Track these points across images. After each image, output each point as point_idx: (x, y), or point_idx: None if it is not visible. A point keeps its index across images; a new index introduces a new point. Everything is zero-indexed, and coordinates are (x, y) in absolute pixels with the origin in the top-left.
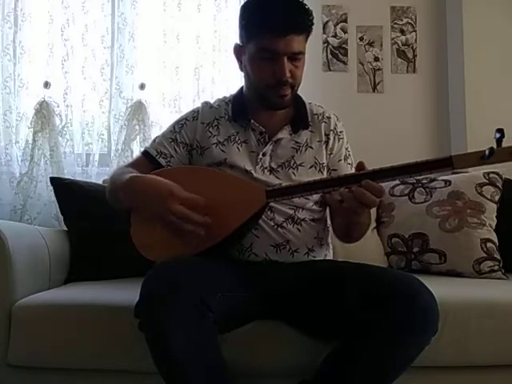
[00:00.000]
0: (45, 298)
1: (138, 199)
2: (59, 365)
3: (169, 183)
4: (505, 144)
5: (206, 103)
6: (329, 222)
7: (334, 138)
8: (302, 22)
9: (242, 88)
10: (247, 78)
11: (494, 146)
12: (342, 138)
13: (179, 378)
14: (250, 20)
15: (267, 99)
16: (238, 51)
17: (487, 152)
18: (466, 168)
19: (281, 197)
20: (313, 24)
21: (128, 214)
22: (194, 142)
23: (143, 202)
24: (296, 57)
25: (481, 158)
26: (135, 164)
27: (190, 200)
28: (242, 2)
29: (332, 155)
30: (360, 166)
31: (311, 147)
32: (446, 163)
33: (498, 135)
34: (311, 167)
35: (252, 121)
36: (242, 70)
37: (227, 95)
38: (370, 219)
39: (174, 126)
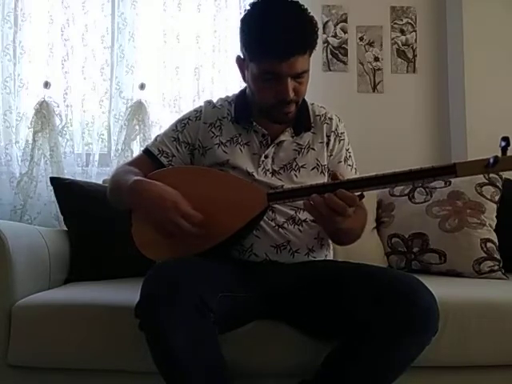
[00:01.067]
0: (45, 298)
1: (140, 204)
2: (59, 365)
3: (174, 194)
4: (510, 152)
5: (208, 102)
6: None
7: (335, 139)
8: (305, 42)
9: (245, 89)
10: (250, 92)
11: (499, 154)
12: (343, 140)
13: (179, 378)
14: (252, 42)
15: (271, 115)
16: (241, 63)
17: (491, 160)
18: (469, 176)
19: (282, 200)
20: (317, 38)
21: (129, 214)
22: (196, 142)
23: (146, 208)
24: (300, 75)
25: (485, 167)
26: (136, 162)
27: (190, 217)
28: (242, 3)
29: (332, 157)
30: (333, 176)
31: (313, 149)
32: (450, 171)
33: (503, 143)
34: (313, 169)
35: (254, 123)
36: (244, 81)
37: (229, 95)
38: (359, 223)
39: (176, 124)
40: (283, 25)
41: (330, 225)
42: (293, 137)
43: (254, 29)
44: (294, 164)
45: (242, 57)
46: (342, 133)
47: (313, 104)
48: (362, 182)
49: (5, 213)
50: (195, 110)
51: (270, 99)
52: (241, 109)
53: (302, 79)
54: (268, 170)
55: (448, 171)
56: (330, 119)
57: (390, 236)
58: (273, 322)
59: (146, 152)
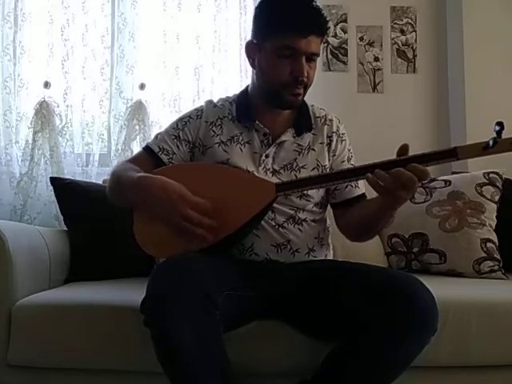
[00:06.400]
0: (45, 297)
1: (147, 200)
2: (59, 365)
3: (178, 186)
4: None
5: (209, 102)
6: (328, 222)
7: (337, 139)
8: (322, 26)
9: (246, 89)
10: (261, 75)
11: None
12: (345, 140)
13: (184, 374)
14: (273, 17)
15: (280, 97)
16: (251, 48)
17: (490, 142)
18: (469, 158)
19: (291, 190)
20: (328, 29)
21: (130, 211)
22: (196, 141)
23: (153, 203)
24: (312, 58)
25: (483, 149)
26: (136, 159)
27: (198, 205)
28: (243, 3)
29: (335, 157)
30: (403, 148)
31: (313, 149)
32: (451, 154)
33: (497, 128)
34: (313, 169)
35: (256, 122)
36: (253, 67)
37: (230, 95)
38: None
39: (177, 123)
40: (304, 6)
41: (395, 200)
42: (294, 137)
43: (276, 7)
44: (295, 164)
45: (255, 40)
46: (343, 133)
47: (313, 106)
48: (362, 170)
49: (5, 213)
50: (196, 109)
51: (284, 76)
52: (243, 107)
53: (312, 63)
54: (268, 170)
55: (450, 154)
56: (331, 121)
57: (390, 236)
58: (273, 321)
59: (147, 149)
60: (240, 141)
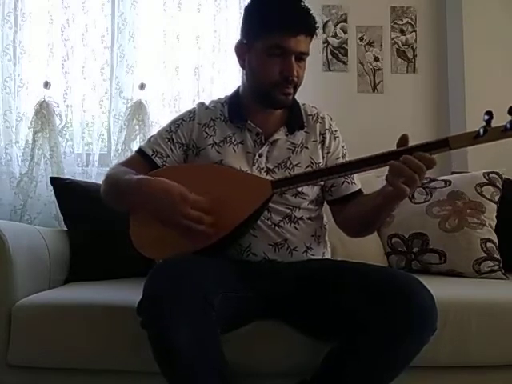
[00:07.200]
0: (45, 297)
1: (147, 202)
2: (59, 365)
3: (179, 187)
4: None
5: (201, 104)
6: (325, 219)
7: (330, 136)
8: (311, 25)
9: (237, 89)
10: (251, 75)
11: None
12: (338, 137)
13: (184, 375)
14: (263, 17)
15: (270, 97)
16: (241, 48)
17: (481, 131)
18: (461, 148)
19: (287, 186)
20: (317, 29)
21: (128, 214)
22: (190, 143)
23: (154, 205)
24: (302, 57)
25: (474, 138)
26: (130, 163)
27: (198, 203)
28: (243, 3)
29: (330, 154)
30: (403, 139)
31: (307, 147)
32: (443, 144)
33: (486, 117)
34: (307, 167)
35: (248, 121)
36: (243, 67)
37: (222, 97)
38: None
39: (170, 125)
40: (294, 6)
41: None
42: (287, 135)
43: (265, 6)
44: (289, 163)
45: (245, 40)
46: (335, 130)
47: (304, 104)
48: (359, 164)
49: (5, 213)
50: (189, 111)
51: (274, 76)
52: (235, 107)
53: (302, 63)
54: (262, 169)
55: (442, 144)
56: (323, 118)
57: (390, 236)
58: (273, 321)
59: (140, 152)
60: (233, 141)
